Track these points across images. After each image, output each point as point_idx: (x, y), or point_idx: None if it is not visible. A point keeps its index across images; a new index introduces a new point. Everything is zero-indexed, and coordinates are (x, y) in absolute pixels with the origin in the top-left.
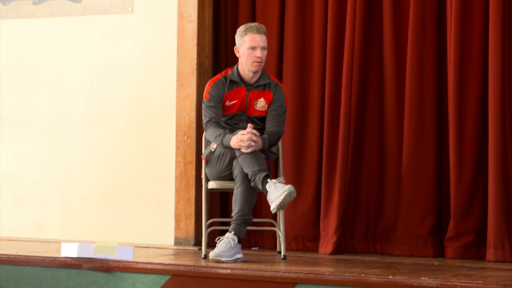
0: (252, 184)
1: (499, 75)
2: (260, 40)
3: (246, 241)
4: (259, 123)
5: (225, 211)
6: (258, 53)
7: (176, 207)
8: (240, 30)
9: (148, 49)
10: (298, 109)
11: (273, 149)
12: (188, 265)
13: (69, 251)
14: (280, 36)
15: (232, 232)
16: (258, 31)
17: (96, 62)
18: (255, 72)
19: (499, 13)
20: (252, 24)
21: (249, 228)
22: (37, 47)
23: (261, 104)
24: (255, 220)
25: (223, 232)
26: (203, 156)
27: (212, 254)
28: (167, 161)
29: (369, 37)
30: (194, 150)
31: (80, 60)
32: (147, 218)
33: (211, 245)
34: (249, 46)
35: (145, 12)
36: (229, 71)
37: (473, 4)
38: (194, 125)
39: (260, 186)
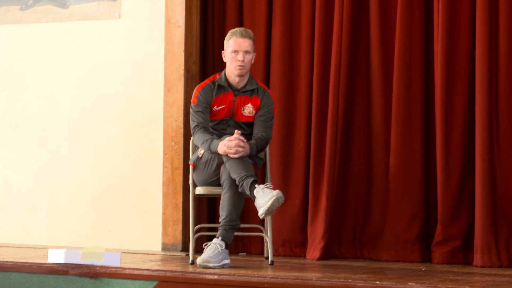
0: (239, 189)
1: (486, 80)
2: (243, 44)
3: (234, 246)
4: (247, 128)
5: (213, 216)
6: (240, 56)
7: (163, 213)
8: (227, 35)
9: (136, 54)
10: (285, 115)
11: (261, 154)
12: (175, 271)
13: (56, 257)
14: (267, 42)
15: (220, 238)
16: (242, 35)
17: (84, 68)
18: (239, 76)
19: (485, 17)
20: (238, 28)
21: (236, 233)
22: (24, 53)
23: (248, 109)
24: (242, 225)
25: (210, 238)
26: (191, 162)
27: (199, 259)
28: (155, 166)
29: (356, 42)
30: (181, 156)
31: (68, 65)
32: (135, 224)
33: (199, 250)
34: (232, 50)
35: (132, 18)
36: (217, 76)
37: (459, 8)
38: (181, 130)
39: (247, 192)
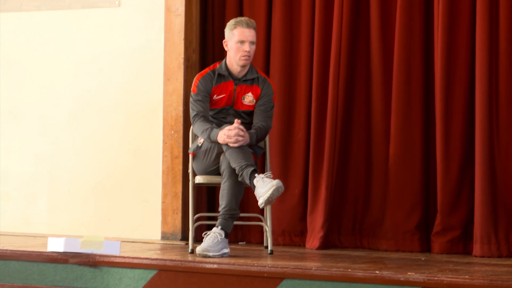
0: (239, 179)
1: (486, 70)
2: (249, 34)
3: (233, 236)
4: (247, 117)
5: (212, 205)
6: (247, 47)
7: (163, 202)
8: (230, 23)
9: (135, 43)
10: (285, 104)
11: (260, 143)
12: (175, 260)
13: (55, 245)
14: (267, 31)
15: (219, 227)
16: (248, 25)
17: (83, 56)
18: (243, 66)
19: (486, 9)
20: (242, 18)
21: (236, 223)
22: (24, 41)
23: (248, 98)
24: (242, 215)
25: (210, 227)
26: (190, 151)
27: (199, 248)
28: (154, 155)
29: (356, 32)
30: (181, 145)
31: (67, 54)
32: (134, 212)
33: (198, 239)
34: (237, 40)
35: (132, 6)
36: (217, 65)
37: (460, 0)
38: (181, 119)
39: (247, 181)
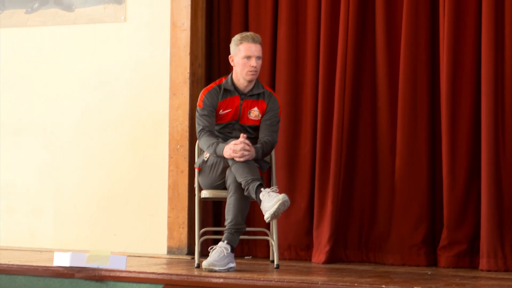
0: (245, 193)
1: (492, 83)
2: (255, 49)
3: (239, 250)
4: (253, 132)
5: (218, 220)
6: (253, 62)
7: (169, 216)
8: (235, 39)
9: (141, 58)
10: (291, 118)
11: (266, 158)
12: (181, 274)
13: (61, 260)
14: (273, 45)
15: (225, 241)
16: (254, 41)
17: (89, 71)
18: (249, 81)
19: (491, 20)
20: (248, 33)
21: (242, 237)
22: (30, 56)
23: (254, 113)
24: (248, 229)
25: (216, 241)
26: (196, 165)
27: (205, 263)
28: (160, 170)
29: (362, 45)
30: (187, 159)
31: (73, 69)
32: (140, 227)
33: (204, 254)
34: (244, 55)
35: (138, 21)
36: (223, 80)
37: (465, 11)
38: (187, 134)
39: (253, 195)
